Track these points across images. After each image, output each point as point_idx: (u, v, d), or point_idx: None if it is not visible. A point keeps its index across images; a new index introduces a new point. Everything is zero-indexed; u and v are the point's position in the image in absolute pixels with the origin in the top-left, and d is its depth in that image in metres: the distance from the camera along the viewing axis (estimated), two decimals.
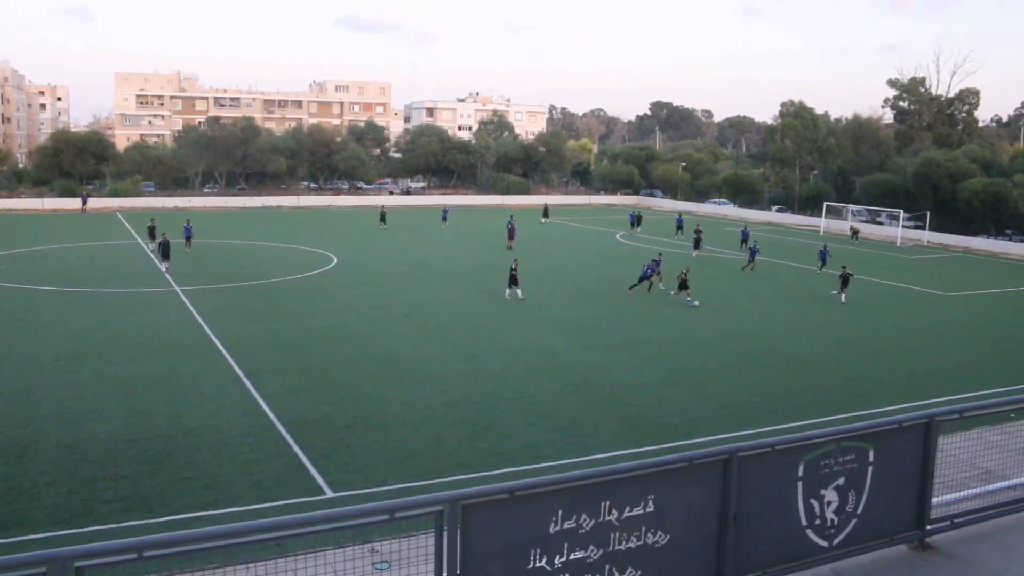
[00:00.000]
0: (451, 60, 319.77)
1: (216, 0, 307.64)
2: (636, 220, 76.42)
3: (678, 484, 7.64)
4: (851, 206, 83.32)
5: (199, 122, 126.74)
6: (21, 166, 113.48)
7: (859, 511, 8.73)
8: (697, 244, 58.52)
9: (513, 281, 39.93)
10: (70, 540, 15.09)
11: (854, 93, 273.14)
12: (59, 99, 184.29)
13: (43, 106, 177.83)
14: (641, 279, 42.08)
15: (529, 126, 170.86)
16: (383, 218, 71.86)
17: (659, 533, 7.51)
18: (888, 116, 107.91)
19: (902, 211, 76.01)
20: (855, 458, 8.64)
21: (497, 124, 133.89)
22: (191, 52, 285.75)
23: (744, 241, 60.64)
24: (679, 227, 71.44)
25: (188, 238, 53.85)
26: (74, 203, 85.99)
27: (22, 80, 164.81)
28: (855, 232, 75.14)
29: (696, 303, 38.89)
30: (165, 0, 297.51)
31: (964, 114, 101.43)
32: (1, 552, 14.55)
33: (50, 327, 32.40)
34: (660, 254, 42.21)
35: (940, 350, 32.56)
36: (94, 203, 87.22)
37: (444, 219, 74.96)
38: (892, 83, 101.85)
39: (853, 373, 28.65)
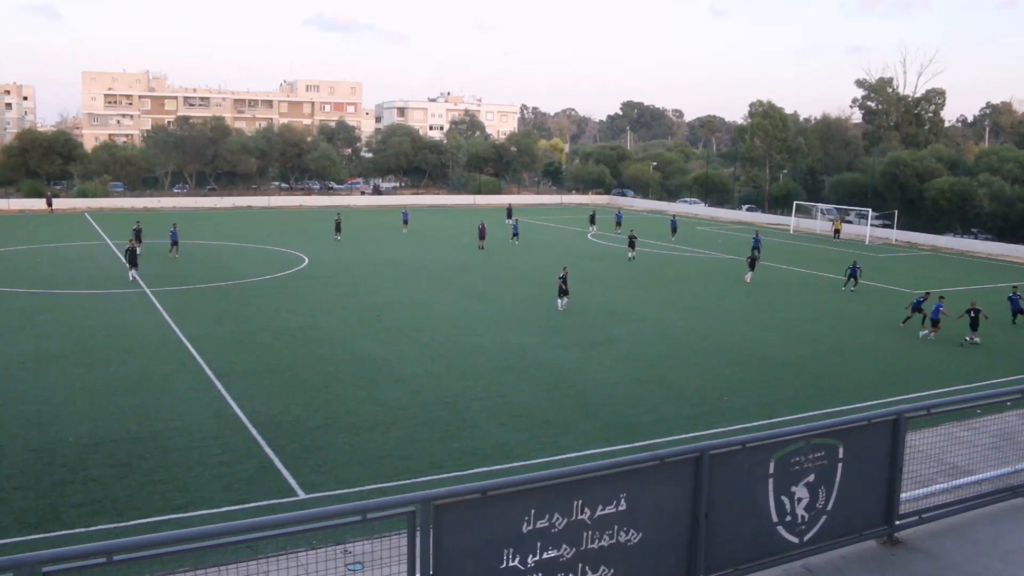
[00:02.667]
0: (422, 60, 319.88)
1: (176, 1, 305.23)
2: (591, 219, 76.26)
3: (650, 482, 7.68)
4: (821, 205, 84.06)
5: (168, 122, 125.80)
6: None
7: (829, 507, 8.82)
8: (632, 244, 55.83)
9: (562, 291, 37.15)
10: (38, 545, 14.92)
11: (823, 93, 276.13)
12: (25, 98, 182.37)
13: (8, 105, 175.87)
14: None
15: (501, 126, 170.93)
16: (338, 228, 63.56)
17: (631, 531, 7.54)
18: (856, 116, 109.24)
19: (870, 210, 76.74)
20: (825, 455, 8.72)
21: (469, 124, 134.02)
22: (160, 51, 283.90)
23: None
24: (674, 230, 69.94)
25: (174, 243, 51.34)
26: (40, 203, 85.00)
27: None
28: (837, 231, 75.71)
29: (562, 307, 37.33)
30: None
31: (931, 114, 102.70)
32: None
33: (16, 329, 32.01)
34: (565, 268, 38.72)
35: (908, 348, 32.90)
36: (61, 203, 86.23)
37: (405, 222, 71.49)
38: (860, 83, 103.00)
39: (822, 371, 28.89)
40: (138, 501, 17.24)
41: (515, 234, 64.26)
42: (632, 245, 55.75)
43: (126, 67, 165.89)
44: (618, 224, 73.84)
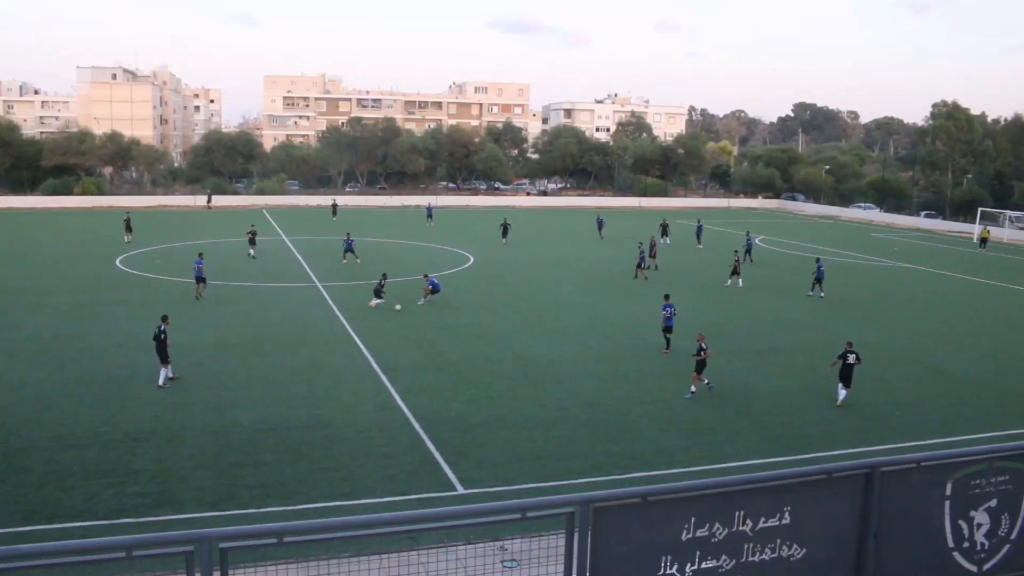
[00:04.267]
0: (595, 61, 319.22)
1: (363, 5, 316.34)
2: (663, 230, 64.68)
3: (816, 497, 7.41)
4: (1009, 212, 79.13)
5: (342, 123, 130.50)
6: (176, 165, 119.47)
7: (1013, 536, 8.27)
8: (735, 271, 46.05)
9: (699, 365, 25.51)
10: (214, 522, 15.75)
11: (1018, 92, 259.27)
12: (212, 101, 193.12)
13: (197, 108, 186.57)
14: None
15: (668, 128, 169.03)
16: (505, 232, 61.34)
17: (795, 546, 7.30)
18: None
19: None
20: (1010, 479, 8.19)
21: (635, 125, 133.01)
22: (336, 55, 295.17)
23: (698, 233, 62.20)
24: (698, 234, 64.76)
25: (349, 250, 50.17)
26: (225, 200, 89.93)
27: (179, 84, 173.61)
28: (984, 240, 70.54)
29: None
30: (317, 4, 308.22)
31: None
32: (150, 529, 15.33)
33: (200, 318, 33.90)
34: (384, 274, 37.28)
35: None
36: (242, 200, 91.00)
37: (429, 216, 73.75)
38: None
39: (1007, 389, 27.17)
40: (306, 487, 17.94)
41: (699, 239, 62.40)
42: (736, 272, 45.85)
43: (304, 71, 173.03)
44: (698, 237, 64.45)
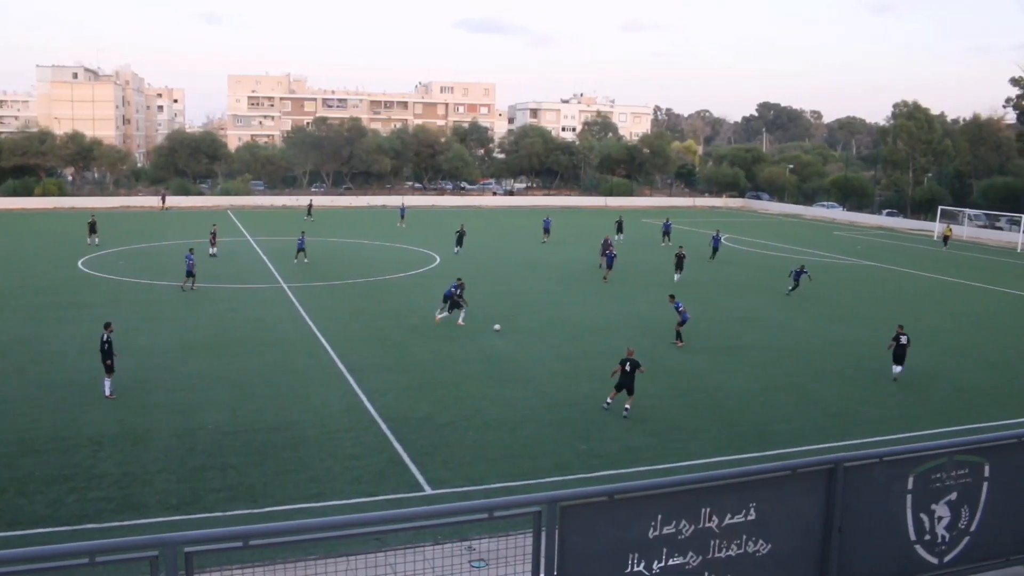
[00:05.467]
0: (561, 61, 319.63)
1: (329, 4, 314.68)
2: (618, 226, 65.39)
3: (781, 493, 7.48)
4: (968, 210, 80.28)
5: (307, 123, 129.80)
6: (139, 165, 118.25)
7: (973, 528, 8.40)
8: (679, 266, 46.70)
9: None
10: (179, 526, 15.63)
11: (976, 93, 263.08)
12: (175, 101, 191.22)
13: (160, 108, 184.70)
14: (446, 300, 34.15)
15: (633, 127, 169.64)
16: (459, 241, 55.86)
17: (760, 542, 7.36)
18: (1011, 116, 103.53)
19: None
20: (969, 473, 8.31)
21: (601, 125, 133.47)
22: (301, 55, 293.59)
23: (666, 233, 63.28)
24: (666, 233, 64.85)
25: (300, 249, 50.08)
26: (190, 201, 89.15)
27: (142, 83, 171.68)
28: (946, 238, 71.59)
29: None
30: (283, 3, 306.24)
31: None
32: (114, 534, 15.17)
33: (164, 321, 33.58)
34: (460, 279, 35.37)
35: None
36: (207, 201, 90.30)
37: (402, 217, 74.25)
38: (1016, 81, 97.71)
39: (967, 384, 27.60)
40: (272, 489, 17.84)
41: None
42: (680, 266, 46.52)
43: (269, 70, 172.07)
44: (666, 235, 64.83)
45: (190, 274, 39.83)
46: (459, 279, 35.02)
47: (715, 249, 54.54)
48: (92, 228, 56.80)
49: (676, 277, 45.72)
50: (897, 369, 27.55)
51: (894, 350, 27.73)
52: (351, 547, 10.18)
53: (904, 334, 27.77)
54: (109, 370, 23.68)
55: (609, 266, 46.97)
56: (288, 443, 20.47)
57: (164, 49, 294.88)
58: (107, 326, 24.29)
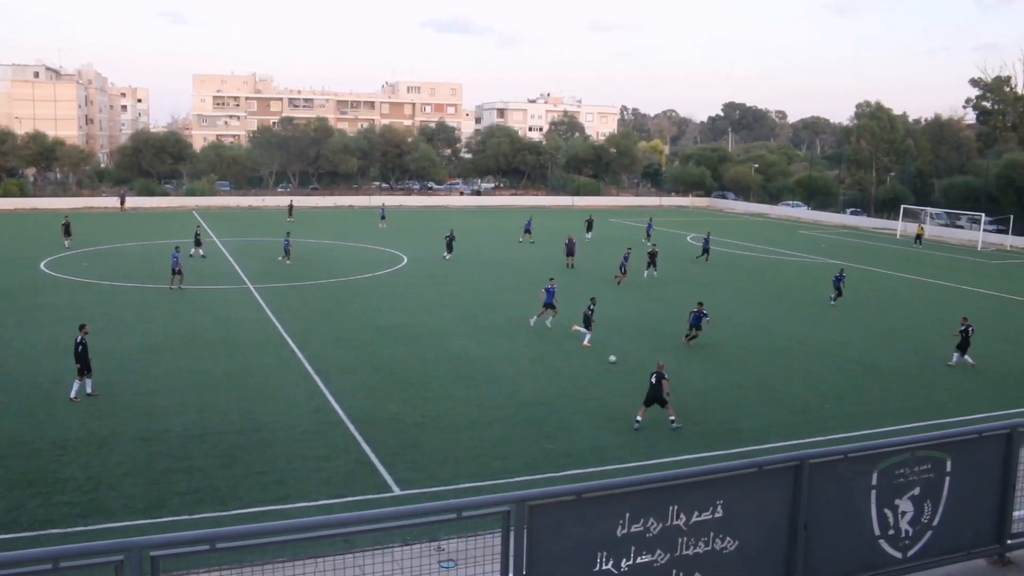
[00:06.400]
0: (528, 61, 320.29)
1: (295, 3, 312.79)
2: (588, 225, 66.73)
3: (748, 490, 7.53)
4: (929, 209, 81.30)
5: (273, 123, 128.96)
6: (103, 166, 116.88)
7: (935, 523, 8.51)
8: (652, 263, 47.69)
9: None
10: (145, 530, 15.47)
11: (938, 94, 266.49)
12: (139, 100, 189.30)
13: (124, 107, 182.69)
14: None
15: (600, 127, 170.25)
16: (450, 246, 54.32)
17: (727, 539, 7.41)
18: (970, 116, 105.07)
19: (983, 215, 73.90)
20: (931, 468, 8.42)
21: (568, 125, 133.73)
22: (267, 54, 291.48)
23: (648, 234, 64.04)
24: (648, 234, 65.74)
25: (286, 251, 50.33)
26: (154, 202, 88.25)
27: (105, 82, 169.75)
28: (919, 237, 72.77)
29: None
30: (248, 2, 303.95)
31: None
32: (80, 539, 14.98)
33: (129, 323, 33.23)
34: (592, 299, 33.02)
35: (1022, 359, 31.59)
36: (172, 202, 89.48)
37: (382, 218, 73.65)
38: (975, 82, 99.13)
39: (930, 381, 27.96)
40: (240, 491, 17.72)
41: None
42: (653, 263, 47.57)
43: (234, 70, 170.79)
44: (648, 235, 65.44)
45: (177, 272, 40.19)
46: (592, 298, 32.63)
47: (705, 251, 54.67)
48: (67, 230, 55.67)
49: (645, 274, 46.38)
50: (957, 357, 29.51)
51: (959, 340, 29.61)
52: (319, 549, 10.13)
53: (970, 325, 29.55)
54: (80, 373, 23.46)
55: (570, 253, 50.39)
56: (255, 445, 20.33)
57: (128, 48, 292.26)
58: (82, 328, 24.16)
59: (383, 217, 74.11)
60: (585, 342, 31.05)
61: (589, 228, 66.19)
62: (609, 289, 42.69)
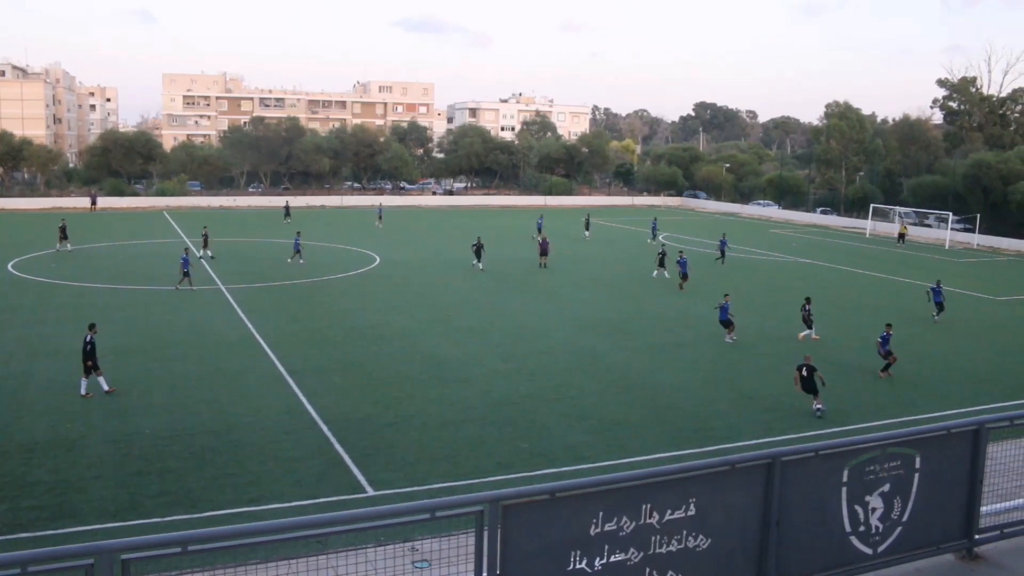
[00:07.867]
0: (499, 61, 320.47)
1: (266, 2, 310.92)
2: (586, 223, 68.94)
3: (720, 488, 7.58)
4: (898, 208, 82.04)
5: (244, 122, 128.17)
6: (71, 166, 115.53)
7: (905, 518, 8.60)
8: (662, 263, 48.20)
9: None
10: (116, 533, 15.32)
11: (905, 94, 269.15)
12: (108, 100, 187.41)
13: (93, 107, 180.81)
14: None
15: (572, 127, 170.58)
16: (478, 254, 50.74)
17: (700, 537, 7.46)
18: (937, 117, 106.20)
19: (951, 214, 74.69)
20: (901, 464, 8.52)
21: (540, 125, 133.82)
22: (237, 53, 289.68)
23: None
24: (654, 234, 67.29)
25: (297, 251, 49.90)
26: (124, 202, 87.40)
27: (73, 81, 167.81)
28: (902, 236, 73.83)
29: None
30: (218, 1, 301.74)
31: (1017, 114, 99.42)
32: (49, 543, 14.82)
33: (99, 323, 32.79)
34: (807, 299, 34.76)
35: (990, 356, 31.97)
36: (142, 202, 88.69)
37: (379, 217, 73.74)
38: (942, 83, 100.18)
39: (899, 378, 28.22)
40: (211, 493, 17.60)
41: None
42: (662, 263, 47.98)
43: (204, 69, 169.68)
44: (654, 235, 66.73)
45: (186, 273, 40.58)
46: (808, 298, 34.45)
47: (721, 253, 54.37)
48: (63, 233, 53.78)
49: (655, 274, 47.64)
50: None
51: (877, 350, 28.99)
52: (292, 550, 10.08)
53: (891, 333, 28.76)
54: (88, 371, 23.80)
55: (544, 252, 50.66)
56: (227, 447, 20.20)
57: (96, 47, 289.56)
58: (91, 327, 24.51)
59: (380, 217, 73.97)
60: (812, 335, 33.38)
61: (587, 227, 68.51)
62: (582, 289, 42.77)
